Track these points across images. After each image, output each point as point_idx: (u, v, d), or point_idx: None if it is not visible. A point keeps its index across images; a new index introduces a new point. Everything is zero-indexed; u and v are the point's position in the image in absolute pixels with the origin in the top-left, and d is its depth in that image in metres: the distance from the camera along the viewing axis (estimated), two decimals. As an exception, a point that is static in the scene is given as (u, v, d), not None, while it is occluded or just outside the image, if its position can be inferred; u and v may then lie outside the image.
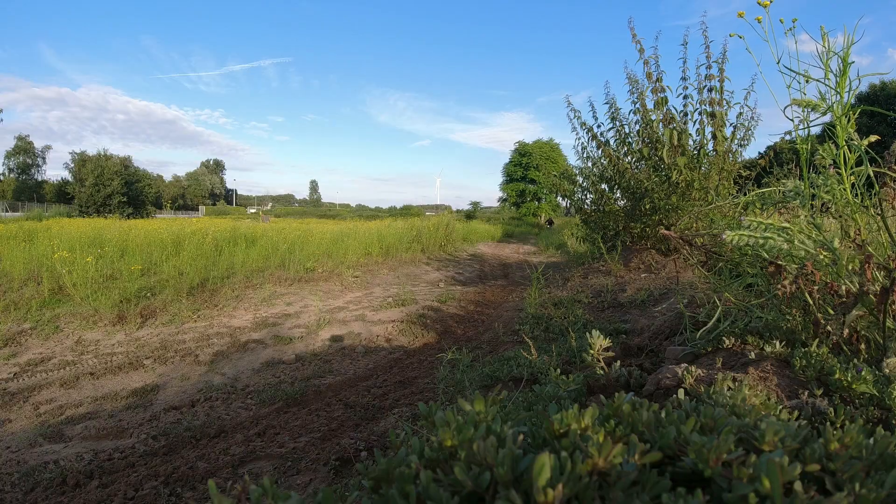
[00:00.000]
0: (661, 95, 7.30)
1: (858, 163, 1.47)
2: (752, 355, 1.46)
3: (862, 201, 1.46)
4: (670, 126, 7.14)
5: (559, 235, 18.37)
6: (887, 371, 1.17)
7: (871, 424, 1.01)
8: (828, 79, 1.44)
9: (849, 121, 1.42)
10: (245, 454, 2.80)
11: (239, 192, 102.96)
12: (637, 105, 7.51)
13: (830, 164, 1.48)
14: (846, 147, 1.44)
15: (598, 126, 8.31)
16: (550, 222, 27.24)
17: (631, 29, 7.40)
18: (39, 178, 52.13)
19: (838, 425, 0.97)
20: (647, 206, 7.25)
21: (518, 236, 25.56)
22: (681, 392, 0.91)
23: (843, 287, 1.39)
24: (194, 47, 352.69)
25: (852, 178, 1.48)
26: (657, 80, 7.27)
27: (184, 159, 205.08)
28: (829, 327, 1.42)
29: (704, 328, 1.70)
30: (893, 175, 1.46)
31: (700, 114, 7.15)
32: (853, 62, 1.39)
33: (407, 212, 46.00)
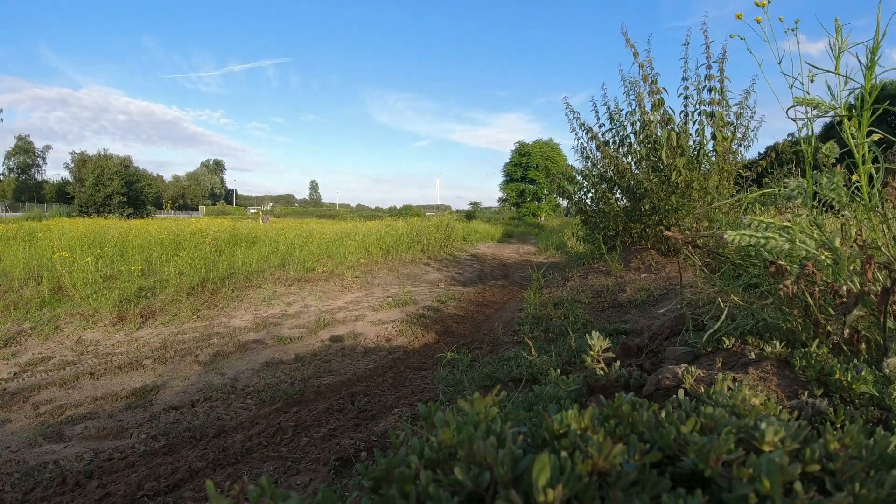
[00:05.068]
0: (658, 97, 7.31)
1: (863, 161, 1.47)
2: (752, 355, 1.46)
3: (870, 200, 1.45)
4: (668, 127, 7.15)
5: (559, 235, 18.37)
6: (887, 371, 1.17)
7: (871, 424, 1.01)
8: (838, 73, 1.43)
9: (868, 115, 1.39)
10: (245, 454, 2.80)
11: (239, 193, 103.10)
12: (634, 106, 7.54)
13: (834, 163, 1.48)
14: (853, 144, 1.43)
15: (601, 126, 8.32)
16: None
17: (624, 34, 7.47)
18: (39, 178, 52.16)
19: (838, 425, 0.97)
20: (647, 207, 7.25)
21: (518, 236, 25.56)
22: (681, 392, 0.91)
23: (844, 287, 1.39)
24: (194, 48, 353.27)
25: (854, 176, 1.47)
26: (652, 81, 7.29)
27: (184, 159, 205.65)
28: (829, 327, 1.41)
29: (711, 331, 1.69)
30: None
31: (700, 114, 7.16)
32: (880, 55, 1.36)
33: (407, 212, 46.03)
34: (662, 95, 7.30)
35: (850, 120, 1.43)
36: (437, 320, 6.13)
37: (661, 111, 7.27)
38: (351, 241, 11.49)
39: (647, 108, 7.37)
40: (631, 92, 7.50)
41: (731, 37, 1.68)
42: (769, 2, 1.55)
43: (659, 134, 7.19)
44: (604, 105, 8.08)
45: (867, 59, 1.37)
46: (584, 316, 4.38)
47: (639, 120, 7.55)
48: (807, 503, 0.53)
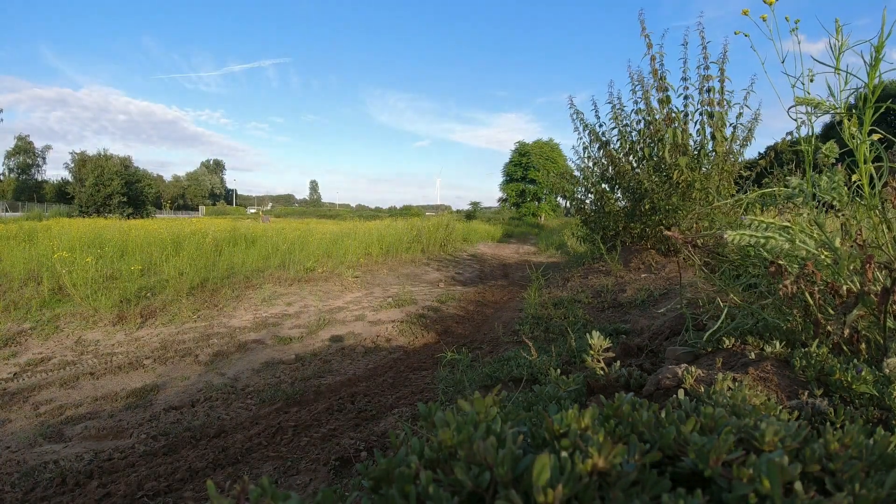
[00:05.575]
0: (665, 94, 7.31)
1: (865, 161, 1.46)
2: (752, 355, 1.46)
3: (871, 199, 1.45)
4: (672, 125, 7.15)
5: (559, 235, 18.38)
6: (887, 371, 1.17)
7: (871, 424, 1.01)
8: (839, 71, 1.42)
9: (871, 113, 1.39)
10: (245, 454, 2.80)
11: (239, 193, 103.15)
12: (640, 104, 7.53)
13: (834, 162, 1.48)
14: (854, 143, 1.43)
15: (601, 126, 8.32)
16: None
17: (641, 22, 7.38)
18: (39, 178, 52.17)
19: (838, 425, 0.97)
20: (647, 207, 7.25)
21: (518, 236, 25.57)
22: (681, 392, 0.91)
23: (844, 287, 1.39)
24: (194, 47, 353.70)
25: (855, 176, 1.47)
26: (661, 77, 7.28)
27: (184, 159, 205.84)
28: (829, 327, 1.41)
29: (711, 331, 1.69)
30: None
31: (700, 114, 7.16)
32: (884, 53, 1.35)
33: (407, 212, 46.08)
34: (669, 93, 7.31)
35: (850, 119, 1.43)
36: (437, 320, 6.12)
37: (667, 109, 7.28)
38: (351, 241, 11.49)
39: (654, 104, 7.36)
40: (637, 88, 7.49)
41: (735, 33, 1.68)
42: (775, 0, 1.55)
43: (664, 132, 7.20)
44: (609, 103, 8.07)
45: (871, 56, 1.37)
46: (584, 316, 4.38)
47: (644, 118, 7.54)
48: (807, 503, 0.53)
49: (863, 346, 1.35)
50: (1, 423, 3.37)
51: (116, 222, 14.70)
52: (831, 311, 1.43)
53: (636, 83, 7.49)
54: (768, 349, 1.45)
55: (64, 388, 3.90)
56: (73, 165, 35.06)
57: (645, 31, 7.32)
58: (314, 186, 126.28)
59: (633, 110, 7.73)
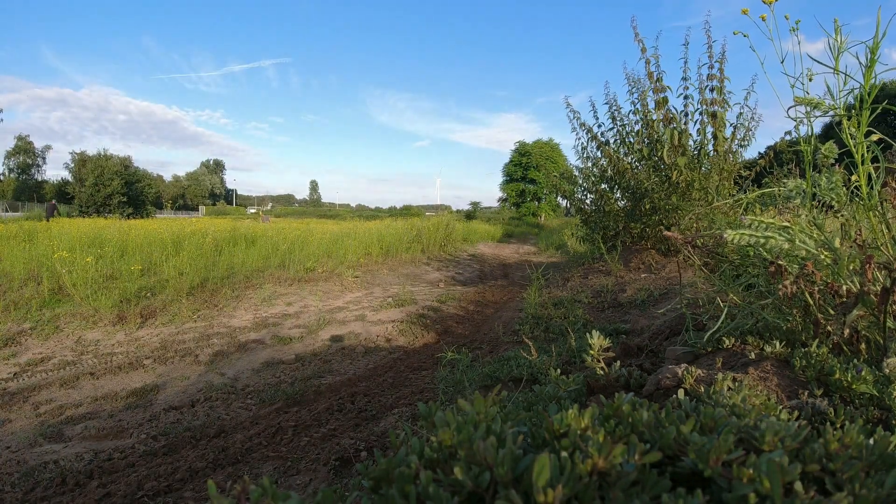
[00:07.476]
0: (662, 95, 7.32)
1: (862, 161, 1.46)
2: (752, 355, 1.46)
3: (869, 200, 1.45)
4: (671, 126, 7.15)
5: (559, 235, 18.38)
6: (887, 371, 1.17)
7: (871, 424, 1.01)
8: (838, 72, 1.42)
9: (867, 115, 1.39)
10: (245, 454, 2.80)
11: (239, 193, 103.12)
12: (637, 105, 7.54)
13: (833, 163, 1.48)
14: (852, 144, 1.43)
15: (599, 126, 8.33)
16: None
17: (634, 28, 7.43)
18: (39, 178, 52.18)
19: (838, 425, 0.97)
20: (647, 207, 7.25)
21: (518, 236, 25.58)
22: (681, 392, 0.91)
23: (844, 287, 1.39)
24: (194, 48, 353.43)
25: (854, 176, 1.47)
26: (658, 79, 7.29)
27: (184, 159, 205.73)
28: (829, 327, 1.41)
29: (711, 331, 1.69)
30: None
31: (701, 114, 7.17)
32: (879, 54, 1.34)
33: (407, 212, 46.08)
34: (667, 94, 7.32)
35: (849, 120, 1.43)
36: (437, 320, 6.12)
37: (665, 110, 7.28)
38: (351, 241, 11.48)
39: (651, 106, 7.38)
40: (634, 90, 7.50)
41: (734, 34, 1.68)
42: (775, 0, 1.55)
43: (662, 133, 7.21)
44: (605, 104, 8.10)
45: (867, 58, 1.37)
46: (584, 316, 4.38)
47: (641, 119, 7.55)
48: (807, 503, 0.53)
49: (863, 346, 1.35)
50: (1, 423, 3.37)
51: (116, 222, 14.70)
52: (831, 311, 1.43)
53: (633, 84, 7.52)
54: (768, 349, 1.45)
55: (64, 388, 3.90)
56: (73, 165, 35.07)
57: (638, 36, 7.36)
58: (314, 186, 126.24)
59: (630, 111, 7.76)
